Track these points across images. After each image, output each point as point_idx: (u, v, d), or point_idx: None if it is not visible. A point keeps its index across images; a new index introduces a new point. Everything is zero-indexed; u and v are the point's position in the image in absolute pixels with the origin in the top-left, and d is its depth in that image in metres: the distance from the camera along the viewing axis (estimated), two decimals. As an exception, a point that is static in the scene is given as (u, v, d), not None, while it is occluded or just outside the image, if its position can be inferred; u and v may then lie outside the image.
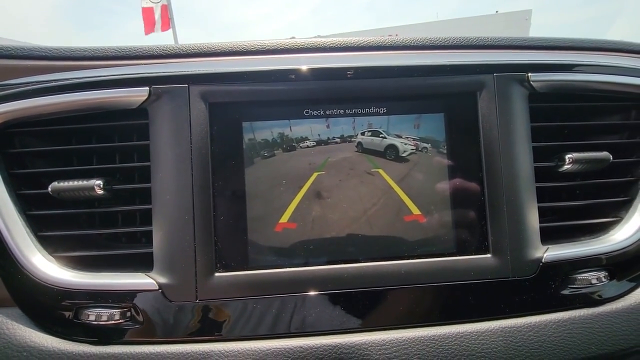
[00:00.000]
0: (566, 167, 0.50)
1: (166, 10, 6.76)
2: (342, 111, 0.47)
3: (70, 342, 0.43)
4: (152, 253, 0.45)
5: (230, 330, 0.44)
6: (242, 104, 0.46)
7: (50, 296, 0.44)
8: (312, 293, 0.45)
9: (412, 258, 0.46)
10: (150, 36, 6.79)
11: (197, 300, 0.44)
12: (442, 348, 0.44)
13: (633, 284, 0.49)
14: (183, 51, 0.49)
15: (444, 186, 0.47)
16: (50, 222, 0.47)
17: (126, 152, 0.50)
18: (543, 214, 0.49)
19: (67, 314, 0.44)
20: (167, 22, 6.83)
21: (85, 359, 0.42)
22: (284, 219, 0.46)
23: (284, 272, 0.45)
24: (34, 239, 0.46)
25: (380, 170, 0.47)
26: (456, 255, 0.46)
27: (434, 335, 0.44)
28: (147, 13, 6.74)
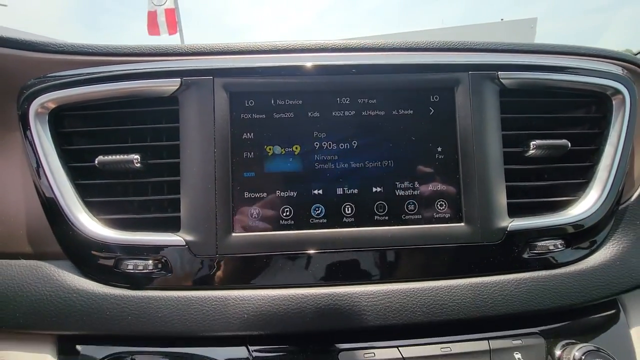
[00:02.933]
0: (531, 152, 0.58)
1: (173, 14, 6.94)
2: (341, 100, 0.56)
3: (110, 287, 0.52)
4: (179, 217, 0.54)
5: (244, 280, 0.53)
6: (257, 93, 0.56)
7: (95, 249, 0.53)
8: (312, 252, 0.53)
9: (399, 224, 0.55)
10: (158, 38, 6.96)
11: (217, 255, 0.52)
12: (420, 298, 0.52)
13: (585, 252, 0.57)
14: (208, 49, 0.59)
15: (427, 165, 0.56)
16: (94, 190, 0.56)
17: (157, 134, 0.59)
18: (513, 195, 0.58)
19: (108, 264, 0.53)
20: (175, 25, 7.00)
21: (122, 300, 0.51)
22: (290, 194, 0.55)
23: (289, 233, 0.53)
24: (81, 203, 0.55)
25: (375, 141, 0.56)
26: (435, 223, 0.55)
27: (413, 289, 0.53)
28: (151, 16, 6.93)
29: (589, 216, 0.57)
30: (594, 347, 0.50)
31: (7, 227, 0.56)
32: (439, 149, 0.56)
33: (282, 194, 0.55)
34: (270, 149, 0.55)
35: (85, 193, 0.56)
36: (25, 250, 0.55)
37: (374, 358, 0.50)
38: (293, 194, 0.55)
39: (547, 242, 0.56)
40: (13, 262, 0.54)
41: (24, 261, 0.55)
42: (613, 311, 0.58)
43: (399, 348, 0.51)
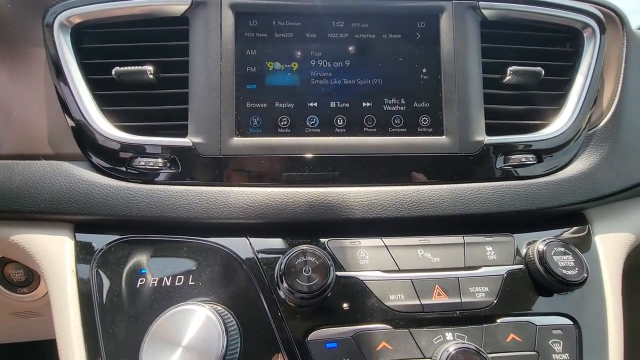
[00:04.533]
0: (508, 77, 0.64)
1: None
2: (336, 23, 0.62)
3: (124, 182, 0.58)
4: (186, 125, 0.60)
5: (244, 178, 0.58)
6: (260, 14, 0.61)
7: (111, 149, 0.58)
8: (306, 155, 0.59)
9: (388, 135, 0.60)
10: None
11: (221, 155, 0.58)
12: (403, 197, 0.58)
13: (555, 167, 0.63)
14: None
15: (413, 84, 0.62)
16: (110, 100, 0.62)
17: (168, 51, 0.64)
18: (492, 119, 0.64)
19: (122, 162, 0.58)
20: None
21: (134, 190, 0.57)
22: (287, 105, 0.61)
23: (286, 139, 0.59)
24: (99, 111, 0.60)
25: (366, 61, 0.61)
26: (420, 135, 0.61)
27: (398, 190, 0.58)
28: None
29: (558, 135, 0.63)
30: (558, 240, 0.55)
31: (30, 131, 0.61)
32: (424, 70, 0.62)
33: (280, 105, 0.61)
34: (270, 64, 0.61)
35: (102, 103, 0.61)
36: (46, 152, 0.61)
37: (359, 245, 0.56)
38: (290, 105, 0.61)
39: (520, 155, 0.62)
40: (34, 162, 0.60)
41: (44, 161, 0.60)
42: (581, 224, 0.64)
43: (382, 238, 0.56)
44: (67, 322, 0.50)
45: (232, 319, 0.47)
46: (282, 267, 0.49)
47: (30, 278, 0.70)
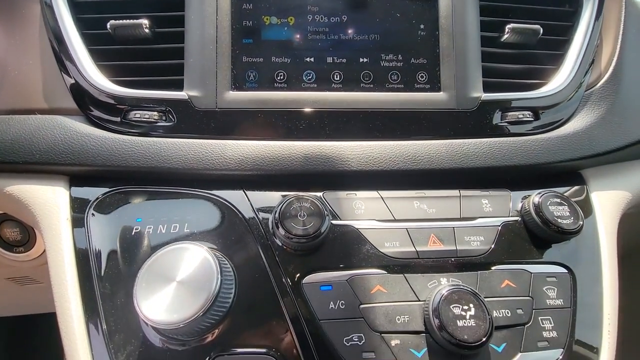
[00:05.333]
0: (506, 36, 0.64)
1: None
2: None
3: (120, 134, 0.58)
4: (182, 80, 0.59)
5: (239, 132, 0.58)
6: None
7: (106, 101, 0.58)
8: (302, 109, 0.59)
9: (384, 91, 0.60)
10: None
11: (216, 109, 0.58)
12: (399, 151, 0.58)
13: (552, 124, 0.63)
14: None
15: (410, 40, 0.61)
16: (106, 55, 0.61)
17: (163, 5, 0.63)
18: (491, 77, 0.63)
19: (117, 114, 0.58)
20: None
21: (130, 142, 0.56)
22: (284, 60, 0.60)
23: (282, 93, 0.59)
24: (95, 65, 0.60)
25: (364, 16, 0.61)
26: (417, 91, 0.60)
27: (395, 144, 0.58)
28: None
29: (556, 93, 0.62)
30: (554, 192, 0.55)
31: (25, 86, 0.61)
32: (421, 26, 0.62)
33: (276, 59, 0.60)
34: (267, 19, 0.61)
35: (98, 58, 0.61)
36: (41, 106, 0.61)
37: (355, 197, 0.56)
38: (287, 60, 0.60)
39: (517, 112, 0.62)
40: (30, 116, 0.60)
41: (40, 116, 0.60)
42: (578, 184, 0.64)
43: (378, 191, 0.56)
44: (62, 268, 0.50)
45: (227, 262, 0.47)
46: (278, 212, 0.49)
47: (26, 238, 0.70)
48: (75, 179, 0.57)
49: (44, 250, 0.70)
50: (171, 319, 0.39)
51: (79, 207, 0.54)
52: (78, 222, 0.53)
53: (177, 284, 0.41)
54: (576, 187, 0.63)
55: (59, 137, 0.57)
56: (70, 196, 0.55)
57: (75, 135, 0.57)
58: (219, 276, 0.42)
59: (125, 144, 0.56)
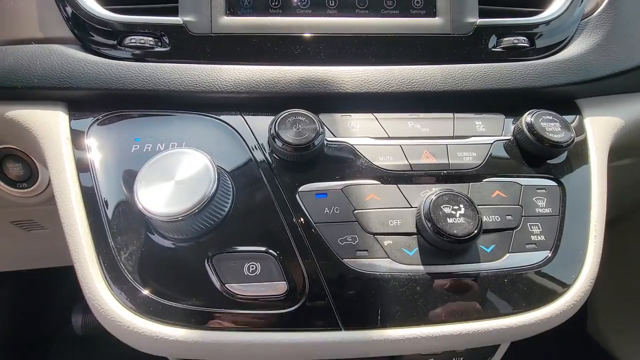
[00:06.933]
0: (503, -39, 0.63)
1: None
2: None
3: (117, 60, 0.58)
4: (176, 8, 0.59)
5: (235, 56, 0.58)
6: None
7: (102, 28, 0.58)
8: (297, 34, 0.59)
9: (380, 16, 0.60)
10: None
11: (211, 33, 0.58)
12: (394, 75, 0.57)
13: (548, 50, 0.63)
14: None
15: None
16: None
17: None
18: (488, 4, 0.63)
19: (114, 40, 0.58)
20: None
21: (128, 68, 0.56)
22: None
23: (277, 18, 0.59)
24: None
25: None
26: (413, 17, 0.60)
27: (390, 68, 0.58)
28: None
29: (552, 19, 0.62)
30: (546, 111, 0.56)
31: (20, 16, 0.61)
32: (417, -49, 0.61)
33: (271, -16, 0.60)
34: (261, -57, 0.60)
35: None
36: (37, 36, 0.61)
37: (350, 118, 0.56)
38: (281, -16, 0.60)
39: (512, 37, 0.62)
40: (27, 45, 0.60)
41: (36, 45, 0.60)
42: (572, 110, 0.64)
43: (374, 113, 0.57)
44: (65, 182, 0.51)
45: (224, 171, 0.49)
46: (275, 124, 0.50)
47: (29, 173, 0.71)
48: (74, 104, 0.58)
49: (47, 186, 0.71)
50: (169, 211, 0.41)
51: (78, 128, 0.55)
52: (78, 140, 0.54)
53: (176, 183, 0.43)
54: (570, 114, 0.63)
55: (56, 62, 0.57)
56: (70, 119, 0.56)
57: (72, 61, 0.57)
58: (216, 177, 0.44)
59: (121, 68, 0.57)
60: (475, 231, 0.43)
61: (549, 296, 0.46)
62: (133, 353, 0.55)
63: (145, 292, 0.43)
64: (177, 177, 0.43)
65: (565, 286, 0.47)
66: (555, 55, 0.63)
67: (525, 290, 0.46)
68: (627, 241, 1.40)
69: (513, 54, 0.62)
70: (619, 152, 0.68)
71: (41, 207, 0.78)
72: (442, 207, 0.45)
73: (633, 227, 1.37)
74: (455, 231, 0.43)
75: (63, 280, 1.39)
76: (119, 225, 0.47)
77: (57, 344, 1.46)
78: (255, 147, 0.53)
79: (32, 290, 1.36)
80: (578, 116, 0.64)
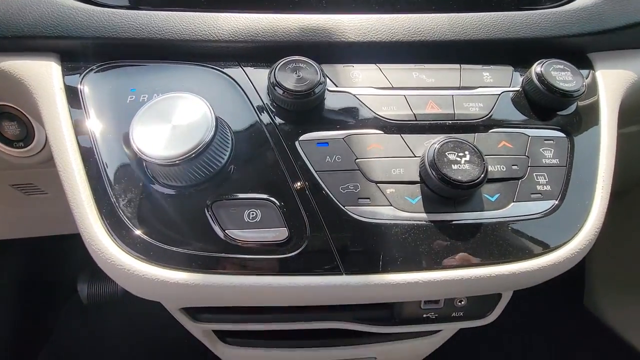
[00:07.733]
0: None
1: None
2: None
3: (106, 8, 0.56)
4: None
5: (232, 4, 0.56)
6: None
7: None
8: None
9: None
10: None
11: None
12: (400, 24, 0.55)
13: (558, 0, 0.60)
14: None
15: None
16: None
17: None
18: None
19: (105, -12, 0.56)
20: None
21: (121, 15, 0.53)
22: None
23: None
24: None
25: None
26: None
27: (394, 17, 0.55)
28: None
29: (568, -37, 0.59)
30: (556, 60, 0.54)
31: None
32: None
33: None
34: None
35: None
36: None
37: (352, 68, 0.54)
38: None
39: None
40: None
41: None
42: (584, 63, 0.61)
43: (377, 64, 0.55)
44: (60, 132, 0.50)
45: (223, 120, 0.47)
46: (274, 71, 0.48)
47: (24, 133, 0.70)
48: (67, 55, 0.56)
49: (45, 145, 0.70)
50: (165, 154, 0.39)
51: (71, 78, 0.53)
52: (72, 90, 0.52)
53: (173, 127, 0.42)
54: (582, 69, 0.61)
55: (46, 10, 0.55)
56: (63, 69, 0.54)
57: (62, 9, 0.55)
58: (215, 124, 0.42)
59: (114, 15, 0.54)
60: (481, 176, 0.42)
61: (553, 244, 0.46)
62: (139, 319, 0.56)
63: (145, 236, 0.43)
64: (175, 121, 0.42)
65: (570, 234, 0.46)
66: (568, 5, 0.60)
67: (529, 238, 0.46)
68: (631, 216, 1.39)
69: (524, 2, 0.59)
70: (626, 115, 0.66)
71: (40, 169, 0.77)
72: (446, 153, 0.44)
73: (638, 200, 1.36)
74: (459, 177, 0.42)
75: (69, 248, 1.41)
76: (116, 174, 0.46)
77: (64, 311, 1.49)
78: (254, 96, 0.51)
79: (39, 258, 1.38)
80: (590, 71, 0.61)
